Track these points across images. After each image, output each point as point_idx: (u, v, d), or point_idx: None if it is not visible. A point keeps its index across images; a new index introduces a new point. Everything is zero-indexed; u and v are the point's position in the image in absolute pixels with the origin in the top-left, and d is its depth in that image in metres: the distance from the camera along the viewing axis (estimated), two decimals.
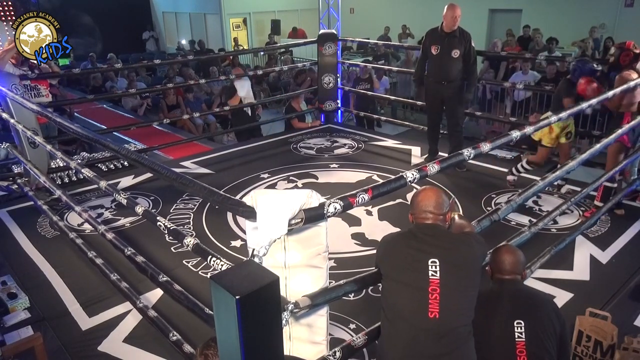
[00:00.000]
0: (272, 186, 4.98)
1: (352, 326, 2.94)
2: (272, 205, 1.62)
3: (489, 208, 4.36)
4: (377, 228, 4.09)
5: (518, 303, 2.12)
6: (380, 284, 2.08)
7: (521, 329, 2.03)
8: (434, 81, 5.10)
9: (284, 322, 1.74)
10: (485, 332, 2.05)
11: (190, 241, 2.06)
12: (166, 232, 2.24)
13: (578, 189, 3.71)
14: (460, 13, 4.92)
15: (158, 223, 2.27)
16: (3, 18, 12.68)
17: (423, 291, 1.88)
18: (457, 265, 1.93)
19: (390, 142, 6.22)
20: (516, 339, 2.02)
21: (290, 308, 1.77)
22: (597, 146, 3.18)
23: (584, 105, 3.15)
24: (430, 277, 1.89)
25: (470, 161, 2.82)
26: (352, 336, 2.41)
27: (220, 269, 1.78)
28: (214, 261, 1.85)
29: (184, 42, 15.55)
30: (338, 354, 2.03)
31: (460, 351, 1.90)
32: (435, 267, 1.89)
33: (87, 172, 3.01)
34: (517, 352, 2.01)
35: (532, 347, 2.02)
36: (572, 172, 5.12)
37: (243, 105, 6.47)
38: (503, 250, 2.29)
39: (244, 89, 6.47)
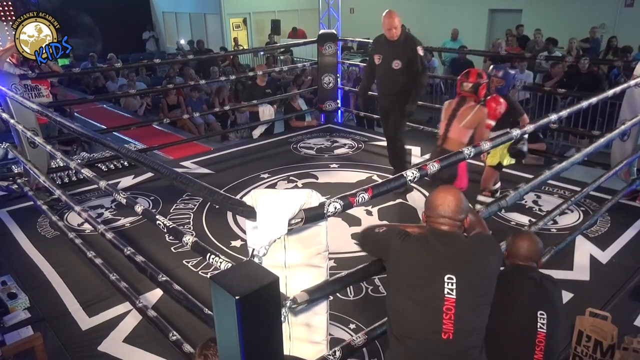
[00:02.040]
0: (272, 186, 4.98)
1: (352, 326, 2.94)
2: (272, 205, 1.61)
3: None
4: None
5: (540, 293, 2.07)
6: (379, 283, 2.07)
7: (544, 320, 2.00)
8: (380, 93, 4.66)
9: (282, 318, 1.73)
10: (502, 320, 2.00)
11: (189, 239, 2.05)
12: (165, 230, 2.23)
13: (578, 189, 3.71)
14: (398, 23, 4.35)
15: (157, 222, 2.26)
16: (3, 18, 12.68)
17: (437, 310, 1.78)
18: (474, 282, 1.82)
19: None
20: (538, 330, 1.99)
21: (288, 304, 1.76)
22: (592, 147, 3.17)
23: (585, 103, 3.14)
24: (445, 295, 1.77)
25: (470, 161, 2.81)
26: (352, 336, 2.40)
27: (220, 266, 1.78)
28: (213, 259, 1.84)
29: (182, 42, 15.50)
30: (338, 354, 2.02)
31: None
32: (452, 285, 1.78)
33: (86, 172, 3.01)
34: (537, 341, 1.99)
35: (550, 339, 2.00)
36: (572, 173, 5.15)
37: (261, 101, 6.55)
38: (522, 235, 2.24)
39: (265, 114, 6.68)
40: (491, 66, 4.09)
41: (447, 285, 1.78)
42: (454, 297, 1.77)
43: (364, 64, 8.07)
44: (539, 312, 2.01)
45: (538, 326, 1.99)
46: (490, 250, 1.93)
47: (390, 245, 1.91)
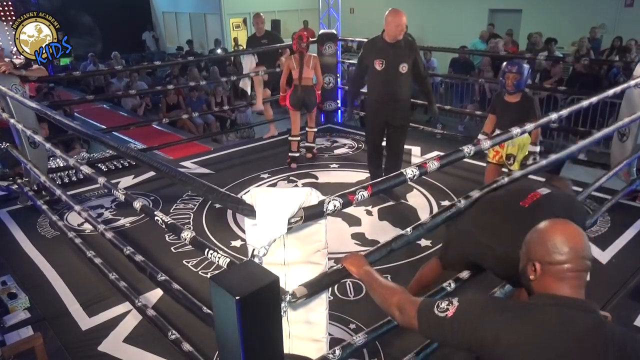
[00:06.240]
0: (272, 186, 4.98)
1: (352, 326, 2.94)
2: (272, 203, 1.61)
3: None
4: (377, 228, 4.09)
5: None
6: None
7: None
8: (378, 101, 4.33)
9: (282, 313, 1.72)
10: None
11: (187, 235, 2.04)
12: (164, 226, 2.22)
13: (579, 189, 3.70)
14: (405, 21, 4.17)
15: (156, 218, 2.25)
16: (3, 18, 12.69)
17: None
18: None
19: None
20: None
21: (287, 299, 1.75)
22: (589, 140, 3.18)
23: (585, 102, 3.14)
24: None
25: (470, 160, 2.82)
26: (352, 336, 2.40)
27: (219, 261, 1.77)
28: (211, 254, 1.83)
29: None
30: (338, 352, 2.02)
31: None
32: None
33: (86, 170, 3.00)
34: None
35: None
36: (572, 173, 5.13)
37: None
38: (557, 227, 1.38)
39: (247, 66, 6.59)
40: (504, 62, 3.86)
41: None
42: None
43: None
44: None
45: None
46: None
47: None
